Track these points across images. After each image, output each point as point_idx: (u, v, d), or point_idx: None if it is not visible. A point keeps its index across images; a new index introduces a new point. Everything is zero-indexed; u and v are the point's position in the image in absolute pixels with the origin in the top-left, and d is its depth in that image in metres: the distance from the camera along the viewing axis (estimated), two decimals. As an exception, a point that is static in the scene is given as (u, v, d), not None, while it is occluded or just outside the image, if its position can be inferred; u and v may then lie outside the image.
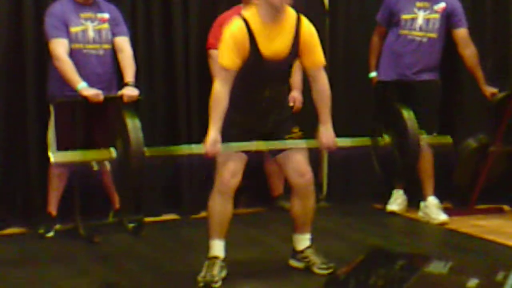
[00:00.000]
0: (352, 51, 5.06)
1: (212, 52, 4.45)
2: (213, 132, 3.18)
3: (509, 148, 4.70)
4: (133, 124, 3.09)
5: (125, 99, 4.10)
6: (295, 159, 3.36)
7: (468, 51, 4.57)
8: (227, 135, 3.24)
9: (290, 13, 3.30)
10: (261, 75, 3.27)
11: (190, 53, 4.71)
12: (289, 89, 4.27)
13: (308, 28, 3.32)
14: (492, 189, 4.74)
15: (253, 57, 3.22)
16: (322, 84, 3.36)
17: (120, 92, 4.11)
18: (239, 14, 3.30)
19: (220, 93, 3.20)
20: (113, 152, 3.19)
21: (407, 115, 3.45)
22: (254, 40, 3.22)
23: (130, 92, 4.13)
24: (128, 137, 3.05)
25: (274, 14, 3.23)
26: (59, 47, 4.04)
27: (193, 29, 4.71)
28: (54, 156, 3.36)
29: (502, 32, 5.01)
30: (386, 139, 3.51)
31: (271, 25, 3.24)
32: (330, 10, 5.05)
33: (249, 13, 3.28)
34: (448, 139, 3.88)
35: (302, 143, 3.38)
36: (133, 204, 4.44)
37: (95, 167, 4.01)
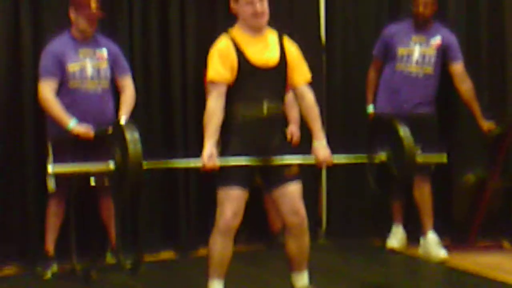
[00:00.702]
0: (349, 85, 5.07)
1: None
2: (209, 146, 3.22)
3: (507, 183, 4.70)
4: (132, 136, 3.12)
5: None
6: (290, 196, 3.35)
7: (465, 85, 4.59)
8: (228, 171, 3.24)
9: (272, 31, 3.43)
10: (256, 83, 3.31)
11: (188, 79, 4.72)
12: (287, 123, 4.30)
13: (291, 44, 3.43)
14: (491, 224, 4.73)
15: (243, 66, 3.30)
16: (310, 99, 3.42)
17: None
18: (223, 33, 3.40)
19: (213, 107, 3.27)
20: (111, 165, 3.18)
21: (403, 131, 3.48)
22: (241, 50, 3.31)
23: (128, 104, 4.18)
24: (127, 149, 3.07)
25: (254, 30, 3.35)
26: (46, 88, 4.05)
27: (190, 60, 4.72)
28: (52, 167, 3.42)
29: (498, 66, 5.04)
30: (382, 156, 3.53)
31: (255, 38, 3.35)
32: (326, 46, 5.08)
33: (233, 29, 3.40)
34: (443, 158, 3.91)
35: (298, 159, 3.39)
36: (130, 241, 4.42)
37: (93, 183, 3.98)
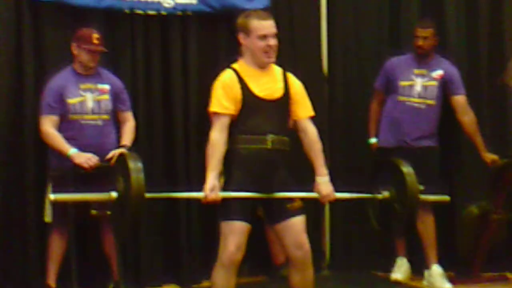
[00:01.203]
0: (351, 117, 5.09)
1: None
2: (211, 178, 3.22)
3: (510, 216, 4.67)
4: (135, 166, 3.11)
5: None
6: (293, 230, 3.33)
7: (467, 117, 4.60)
8: (230, 204, 3.24)
9: (275, 67, 3.46)
10: (260, 116, 3.32)
11: (190, 116, 4.73)
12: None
13: (295, 80, 3.46)
14: (495, 256, 4.70)
15: (247, 98, 3.31)
16: (312, 134, 3.43)
17: (111, 154, 4.04)
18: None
19: (216, 139, 3.27)
20: (113, 194, 3.16)
21: (406, 169, 3.47)
22: (244, 83, 3.32)
23: (128, 136, 4.19)
24: (129, 178, 3.06)
25: (260, 65, 3.36)
26: (47, 123, 4.09)
27: (193, 95, 4.74)
28: (54, 197, 3.45)
29: (500, 99, 5.06)
30: (385, 194, 3.51)
31: (259, 71, 3.37)
32: (329, 77, 5.10)
33: (237, 63, 3.42)
34: (446, 199, 3.89)
35: (301, 195, 3.38)
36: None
37: (94, 212, 3.97)
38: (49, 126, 4.08)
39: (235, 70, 3.38)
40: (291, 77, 3.46)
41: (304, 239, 3.35)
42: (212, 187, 3.22)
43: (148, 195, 3.15)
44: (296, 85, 3.44)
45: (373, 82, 4.80)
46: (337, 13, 5.05)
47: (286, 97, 3.39)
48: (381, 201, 3.53)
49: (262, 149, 3.31)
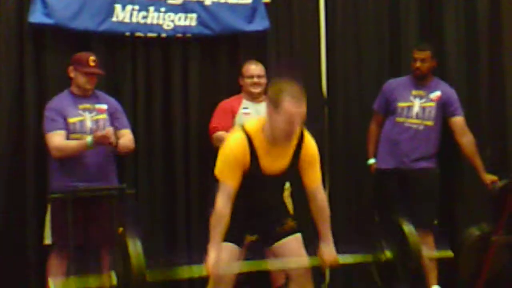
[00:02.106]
0: (351, 138, 5.08)
1: (218, 134, 4.47)
2: (214, 252, 3.16)
3: (512, 237, 4.66)
4: (134, 247, 3.07)
5: (120, 148, 4.12)
6: (289, 247, 3.35)
7: (465, 139, 4.60)
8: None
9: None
10: (259, 187, 3.30)
11: (190, 138, 4.75)
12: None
13: (309, 146, 3.32)
14: (496, 279, 4.66)
15: (253, 171, 3.23)
16: (321, 201, 3.36)
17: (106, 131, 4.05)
18: (241, 128, 3.28)
19: (223, 210, 3.19)
20: (113, 278, 3.16)
21: (408, 230, 3.42)
22: (256, 156, 3.22)
23: (126, 141, 4.17)
24: (130, 261, 3.02)
25: (276, 142, 3.22)
26: (55, 138, 4.08)
27: (193, 117, 4.76)
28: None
29: (499, 120, 5.06)
30: (388, 254, 3.46)
31: (274, 147, 3.24)
32: (328, 99, 5.11)
33: (253, 127, 3.27)
34: (449, 254, 3.89)
35: (306, 261, 3.36)
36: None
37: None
38: (58, 140, 4.08)
39: (248, 137, 3.23)
40: (306, 144, 3.30)
41: (302, 254, 3.35)
42: (214, 261, 3.15)
43: (149, 275, 3.08)
44: (309, 153, 3.30)
45: (372, 105, 4.81)
46: (337, 36, 5.07)
47: (292, 168, 3.30)
48: (384, 262, 3.46)
49: (256, 208, 3.34)
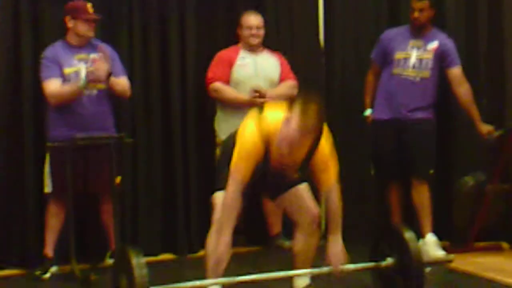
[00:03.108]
0: (348, 90, 5.06)
1: (215, 85, 4.49)
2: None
3: (507, 186, 4.69)
4: (137, 262, 3.05)
5: (114, 87, 4.14)
6: (298, 196, 3.36)
7: (462, 89, 4.60)
8: (225, 176, 3.22)
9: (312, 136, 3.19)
10: (262, 182, 3.27)
11: (188, 91, 4.73)
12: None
13: (324, 148, 3.24)
14: (490, 226, 4.72)
15: (263, 169, 3.21)
16: (334, 203, 3.30)
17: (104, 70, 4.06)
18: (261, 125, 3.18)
19: (233, 202, 3.17)
20: None
21: (409, 236, 3.40)
22: (269, 155, 3.18)
23: (120, 83, 4.18)
24: (133, 277, 3.03)
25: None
26: (51, 85, 4.09)
27: (191, 66, 4.74)
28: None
29: (497, 71, 5.04)
30: (389, 261, 3.43)
31: (290, 147, 3.15)
32: (325, 49, 5.09)
33: (273, 122, 3.16)
34: (450, 257, 3.93)
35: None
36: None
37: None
38: (54, 87, 4.08)
39: (267, 133, 3.15)
40: (321, 145, 3.21)
41: (312, 205, 3.35)
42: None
43: None
44: (323, 153, 3.22)
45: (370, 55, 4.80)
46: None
47: (302, 169, 3.27)
48: (385, 270, 3.44)
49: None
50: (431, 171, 4.59)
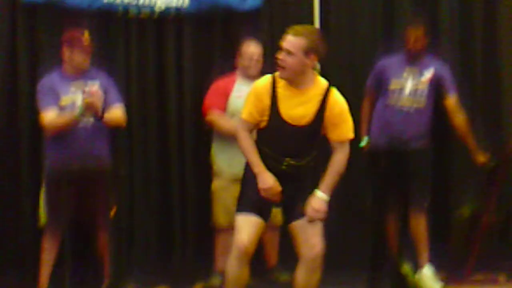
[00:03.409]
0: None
1: (211, 116, 4.50)
2: (265, 173, 3.30)
3: (502, 216, 4.69)
4: None
5: (107, 121, 4.13)
6: (309, 231, 3.36)
7: (458, 119, 4.60)
8: (247, 199, 3.32)
9: (320, 83, 3.39)
10: (282, 138, 3.33)
11: (184, 117, 4.74)
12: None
13: (336, 102, 3.37)
14: (486, 257, 4.71)
15: (273, 118, 3.32)
16: (338, 160, 3.38)
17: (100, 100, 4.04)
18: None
19: (247, 142, 3.36)
20: None
21: (406, 271, 3.40)
22: (276, 101, 3.31)
23: (115, 114, 4.16)
24: None
25: (301, 84, 3.32)
26: (48, 115, 4.08)
27: (187, 95, 4.74)
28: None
29: (493, 97, 5.06)
30: None
31: (296, 91, 3.33)
32: (321, 73, 5.07)
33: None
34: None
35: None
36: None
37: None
38: (51, 116, 4.07)
39: (274, 81, 3.35)
40: (333, 98, 3.35)
41: (318, 241, 3.36)
42: (271, 180, 3.29)
43: None
44: (335, 109, 3.35)
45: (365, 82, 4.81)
46: (331, 9, 5.04)
47: (316, 123, 3.33)
48: None
49: (275, 170, 3.34)
50: (428, 201, 4.58)
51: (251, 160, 3.35)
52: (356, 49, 5.13)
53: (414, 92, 4.57)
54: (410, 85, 4.57)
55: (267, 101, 3.32)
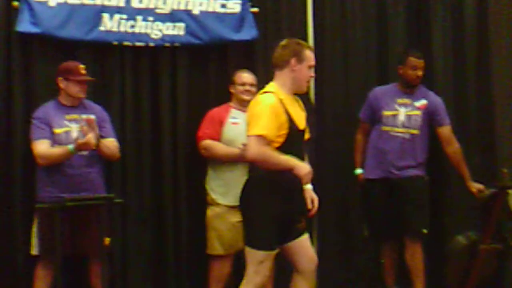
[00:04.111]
0: (338, 147, 5.06)
1: (205, 142, 4.48)
2: (298, 163, 3.40)
3: (499, 246, 4.66)
4: None
5: (102, 149, 4.12)
6: (305, 246, 3.59)
7: (452, 148, 4.62)
8: (267, 230, 3.40)
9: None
10: (298, 146, 3.51)
11: (178, 147, 4.74)
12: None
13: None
14: (483, 287, 4.68)
15: (292, 129, 3.44)
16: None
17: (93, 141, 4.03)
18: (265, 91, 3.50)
19: (267, 149, 3.37)
20: None
21: None
22: (288, 112, 3.45)
23: (109, 145, 4.15)
24: None
25: (297, 91, 3.56)
26: (40, 146, 4.08)
27: (182, 126, 4.75)
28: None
29: (487, 127, 5.08)
30: None
31: (292, 98, 3.56)
32: (316, 107, 5.12)
33: (273, 88, 3.52)
34: None
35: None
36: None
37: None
38: (43, 148, 4.08)
39: (277, 96, 3.47)
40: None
41: (313, 253, 3.64)
42: (307, 166, 3.42)
43: None
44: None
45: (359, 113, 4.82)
46: (325, 45, 5.08)
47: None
48: None
49: (295, 179, 3.43)
50: (425, 231, 4.56)
51: (281, 162, 3.39)
52: (350, 79, 5.16)
53: (408, 118, 4.59)
54: (404, 112, 4.58)
55: (283, 116, 3.42)
